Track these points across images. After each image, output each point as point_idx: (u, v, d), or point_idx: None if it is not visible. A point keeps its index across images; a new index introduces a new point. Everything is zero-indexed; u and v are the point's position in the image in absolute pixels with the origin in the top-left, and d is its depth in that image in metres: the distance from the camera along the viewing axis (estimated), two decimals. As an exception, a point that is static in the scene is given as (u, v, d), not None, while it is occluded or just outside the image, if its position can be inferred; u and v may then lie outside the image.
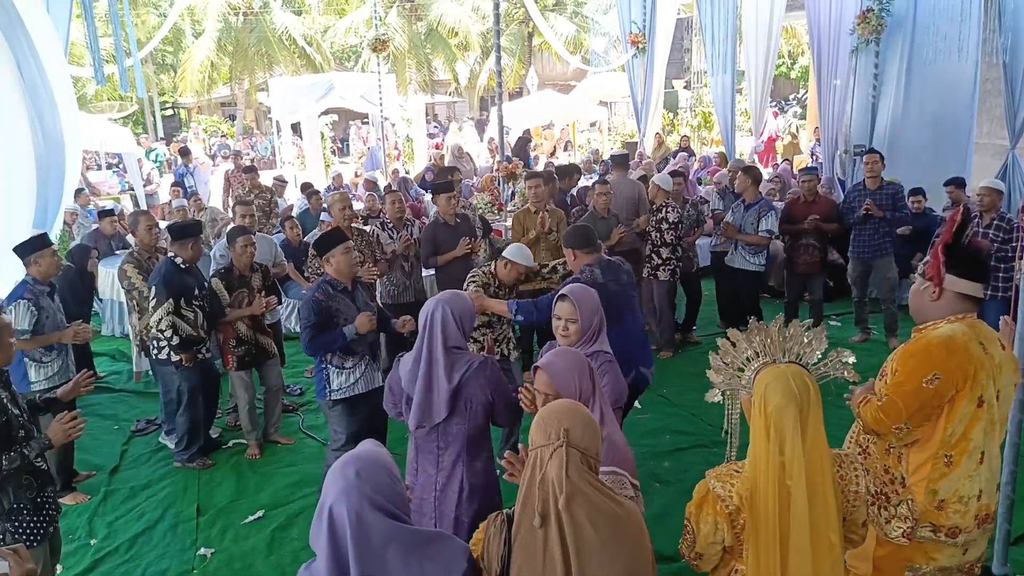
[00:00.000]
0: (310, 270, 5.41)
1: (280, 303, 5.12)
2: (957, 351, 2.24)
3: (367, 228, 5.93)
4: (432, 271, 6.40)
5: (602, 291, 3.68)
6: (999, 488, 2.46)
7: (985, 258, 2.42)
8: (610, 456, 2.23)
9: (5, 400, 2.96)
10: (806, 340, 1.95)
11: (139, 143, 17.81)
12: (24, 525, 2.95)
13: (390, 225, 5.90)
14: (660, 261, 6.36)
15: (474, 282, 4.37)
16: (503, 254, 4.38)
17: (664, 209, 6.33)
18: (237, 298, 4.81)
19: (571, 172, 8.20)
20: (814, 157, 13.05)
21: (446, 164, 12.54)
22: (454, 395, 2.73)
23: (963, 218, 2.32)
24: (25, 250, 4.49)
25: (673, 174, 6.91)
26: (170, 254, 4.83)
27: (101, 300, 7.89)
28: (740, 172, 6.56)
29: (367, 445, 1.78)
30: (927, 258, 2.44)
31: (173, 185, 11.86)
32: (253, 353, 4.96)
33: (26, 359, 4.41)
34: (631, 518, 1.77)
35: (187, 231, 4.78)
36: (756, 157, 13.16)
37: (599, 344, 2.92)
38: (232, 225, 5.96)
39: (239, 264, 4.85)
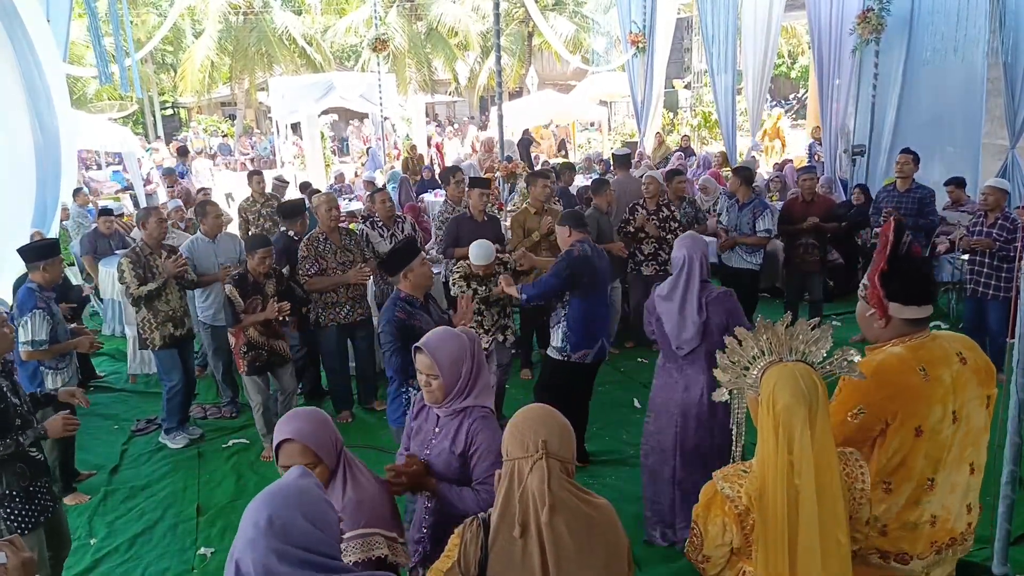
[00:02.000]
0: (303, 269, 5.41)
1: (291, 309, 5.15)
2: (887, 384, 2.13)
3: (354, 228, 5.95)
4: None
5: (590, 264, 4.26)
6: (972, 509, 2.30)
7: (925, 275, 2.26)
8: (358, 516, 2.10)
9: (5, 389, 3.06)
10: (812, 338, 1.94)
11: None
12: (16, 512, 3.04)
13: (380, 224, 5.89)
14: (643, 257, 6.42)
15: (458, 272, 4.80)
16: (470, 256, 4.69)
17: (667, 207, 6.38)
18: (251, 304, 4.81)
19: (565, 171, 8.19)
20: (815, 156, 13.05)
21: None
22: (704, 325, 3.35)
23: (895, 235, 2.20)
24: (34, 255, 4.44)
25: (674, 173, 6.92)
26: (282, 228, 5.84)
27: (102, 300, 7.89)
28: (732, 172, 6.57)
29: (289, 478, 1.65)
30: (865, 280, 2.31)
31: (169, 185, 11.88)
32: (265, 358, 4.96)
33: (42, 367, 4.42)
34: (605, 518, 1.81)
35: (295, 211, 5.68)
36: (755, 156, 13.17)
37: (474, 398, 2.43)
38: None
39: (255, 272, 4.86)
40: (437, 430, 2.48)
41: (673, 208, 6.40)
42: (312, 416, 2.20)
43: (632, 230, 6.32)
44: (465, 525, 1.84)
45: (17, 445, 2.99)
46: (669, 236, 6.29)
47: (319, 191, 9.04)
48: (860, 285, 2.33)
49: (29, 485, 3.10)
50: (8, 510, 3.03)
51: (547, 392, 4.40)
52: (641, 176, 7.23)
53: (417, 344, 2.43)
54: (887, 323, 2.22)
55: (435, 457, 2.44)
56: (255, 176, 8.18)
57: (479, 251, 4.63)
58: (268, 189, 10.26)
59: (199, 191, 8.48)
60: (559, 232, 4.40)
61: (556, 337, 4.42)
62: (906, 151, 6.71)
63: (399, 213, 6.30)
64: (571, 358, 4.36)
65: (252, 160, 22.76)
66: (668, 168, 9.57)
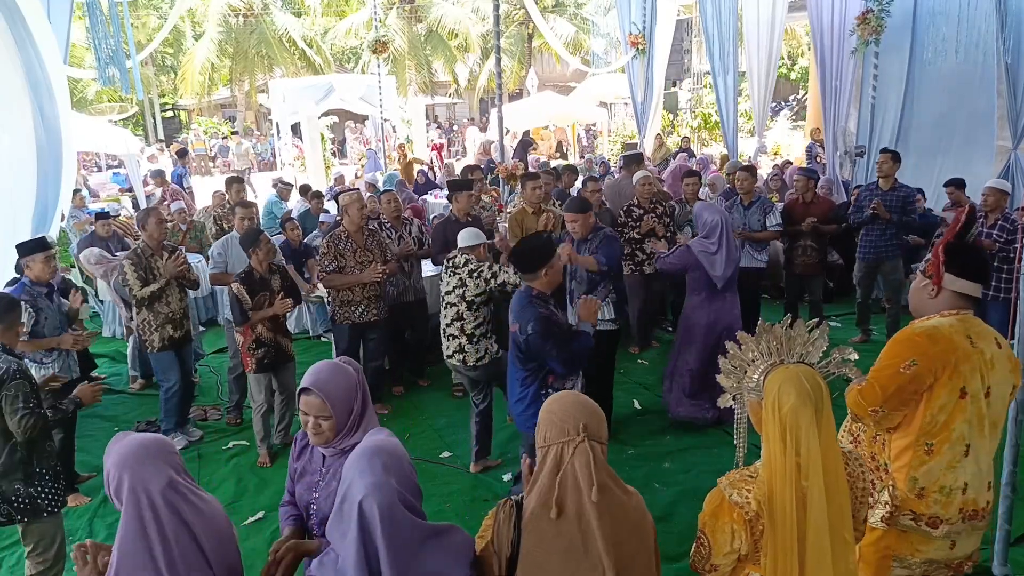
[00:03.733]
0: (319, 269, 5.44)
1: (299, 304, 5.17)
2: (940, 340, 2.31)
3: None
4: (433, 270, 6.42)
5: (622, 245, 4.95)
6: (991, 487, 2.47)
7: (986, 259, 2.46)
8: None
9: (27, 369, 3.18)
10: (810, 340, 1.94)
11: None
12: (47, 490, 3.15)
13: (388, 225, 5.92)
14: (644, 256, 6.46)
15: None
16: (461, 244, 4.66)
17: (660, 205, 6.41)
18: (258, 301, 4.80)
19: (566, 172, 8.15)
20: (816, 159, 13.05)
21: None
22: None
23: (967, 218, 2.40)
24: (22, 251, 4.53)
25: (689, 174, 6.93)
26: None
27: (102, 302, 7.89)
28: (745, 172, 6.48)
29: (382, 435, 1.87)
30: (928, 256, 2.52)
31: (157, 187, 11.85)
32: (272, 355, 4.96)
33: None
34: (636, 504, 1.88)
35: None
36: (760, 158, 13.17)
37: (362, 432, 2.26)
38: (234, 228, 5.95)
39: (260, 268, 4.86)
40: (324, 471, 2.33)
41: (664, 205, 6.44)
42: (336, 370, 2.25)
43: (638, 236, 6.33)
44: (499, 506, 1.88)
45: (63, 413, 3.14)
46: (668, 234, 6.34)
47: (320, 193, 9.05)
48: (922, 261, 2.57)
49: (56, 464, 3.23)
50: (39, 487, 3.12)
51: (608, 362, 4.96)
52: (685, 173, 7.24)
53: (304, 386, 2.23)
54: (938, 293, 2.41)
55: (323, 501, 2.28)
56: (235, 184, 7.52)
57: (466, 235, 4.68)
58: (273, 192, 10.28)
59: (232, 178, 7.89)
60: (581, 219, 4.64)
61: (605, 312, 4.68)
62: (885, 151, 6.76)
63: (407, 216, 6.32)
64: (620, 323, 4.96)
65: (252, 162, 22.76)
66: (678, 169, 9.59)
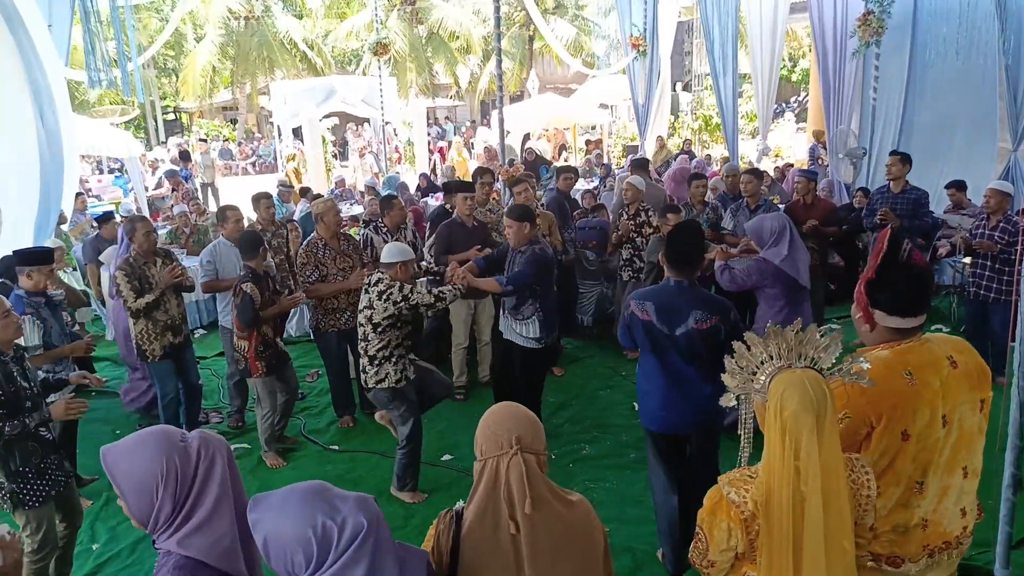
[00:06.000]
0: (301, 280, 5.41)
1: (301, 300, 5.25)
2: (869, 390, 2.08)
3: (355, 233, 5.94)
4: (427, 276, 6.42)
5: (552, 260, 4.73)
6: (967, 513, 2.27)
7: (919, 285, 2.19)
8: None
9: (15, 372, 3.32)
10: (821, 345, 1.92)
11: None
12: (28, 487, 3.33)
13: (384, 230, 5.89)
14: (622, 262, 6.46)
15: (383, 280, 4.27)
16: (382, 260, 4.29)
17: (645, 213, 6.35)
18: (265, 301, 4.81)
19: (564, 172, 8.06)
20: (819, 160, 13.05)
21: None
22: None
23: (890, 244, 2.20)
24: (23, 259, 4.47)
25: (694, 176, 6.88)
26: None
27: (104, 304, 7.90)
28: (750, 175, 6.41)
29: (271, 498, 1.61)
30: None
31: (173, 187, 11.87)
32: (276, 356, 4.97)
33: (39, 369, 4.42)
34: (579, 516, 1.88)
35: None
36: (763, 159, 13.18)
37: (178, 541, 1.67)
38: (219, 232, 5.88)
39: (260, 269, 4.86)
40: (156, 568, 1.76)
41: (652, 214, 6.28)
42: (138, 444, 1.71)
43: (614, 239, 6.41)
44: (440, 517, 1.90)
45: (23, 427, 3.24)
46: (639, 239, 6.29)
47: (320, 195, 9.06)
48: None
49: (40, 462, 3.36)
50: (21, 484, 3.30)
51: (536, 384, 4.88)
52: (691, 176, 7.14)
53: (104, 446, 1.73)
54: (872, 328, 2.25)
55: None
56: (263, 200, 6.27)
57: (388, 251, 4.29)
58: (275, 195, 10.29)
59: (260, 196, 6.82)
60: (516, 227, 4.54)
61: (531, 329, 4.67)
62: (894, 153, 6.69)
63: (404, 223, 6.30)
64: (547, 343, 4.75)
65: (254, 164, 22.80)
66: (678, 172, 9.56)
